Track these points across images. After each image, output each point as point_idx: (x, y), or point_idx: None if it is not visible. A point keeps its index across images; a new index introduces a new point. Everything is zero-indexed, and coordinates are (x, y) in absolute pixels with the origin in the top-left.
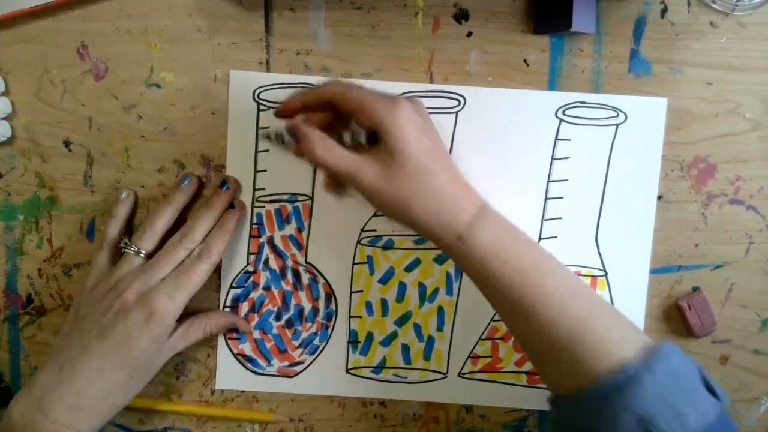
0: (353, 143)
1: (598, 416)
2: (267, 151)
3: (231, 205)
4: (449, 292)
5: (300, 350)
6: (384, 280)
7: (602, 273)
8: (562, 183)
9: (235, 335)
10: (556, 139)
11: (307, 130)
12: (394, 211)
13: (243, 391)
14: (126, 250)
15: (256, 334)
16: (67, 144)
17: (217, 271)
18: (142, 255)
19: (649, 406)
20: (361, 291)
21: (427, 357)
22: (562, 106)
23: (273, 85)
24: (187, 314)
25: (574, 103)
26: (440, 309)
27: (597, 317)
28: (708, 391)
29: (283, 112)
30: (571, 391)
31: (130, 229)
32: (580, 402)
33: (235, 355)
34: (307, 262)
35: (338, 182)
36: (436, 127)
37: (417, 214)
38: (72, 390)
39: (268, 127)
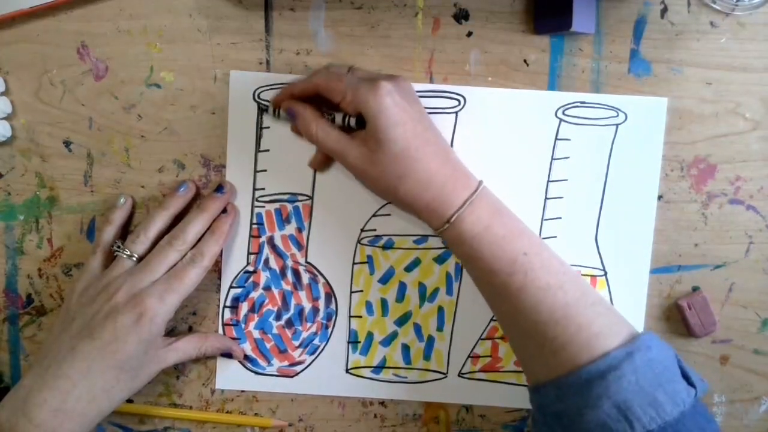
0: (345, 124)
1: (579, 402)
2: (267, 151)
3: (224, 210)
4: (449, 291)
5: (300, 350)
6: (384, 280)
7: (602, 273)
8: (562, 183)
9: (233, 335)
10: (556, 139)
11: (302, 110)
12: (381, 192)
13: (243, 391)
14: (118, 253)
15: (256, 334)
16: (67, 144)
17: (217, 271)
18: (134, 258)
19: (627, 393)
20: (361, 291)
21: (427, 357)
22: (562, 106)
23: (273, 85)
24: (185, 332)
25: (574, 103)
26: (440, 309)
27: (582, 306)
28: (684, 378)
29: (277, 106)
30: (553, 377)
31: (126, 233)
32: (562, 388)
33: None
34: (307, 262)
35: (324, 159)
36: (422, 106)
37: (404, 197)
38: (56, 392)
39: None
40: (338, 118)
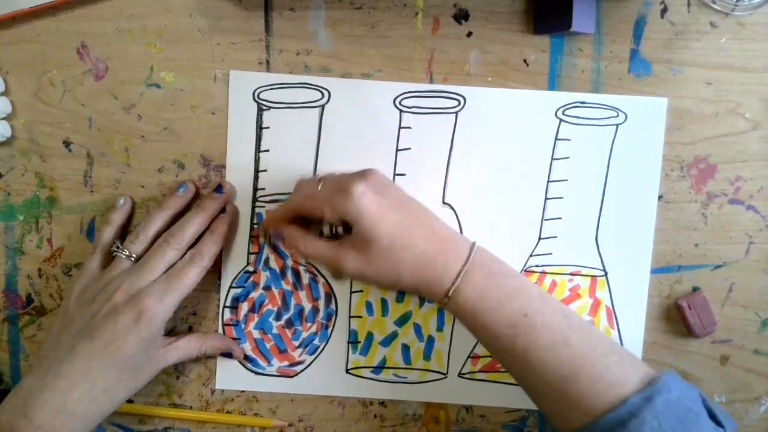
0: (334, 233)
1: None
2: (267, 151)
3: (223, 210)
4: None
5: (300, 350)
6: None
7: (602, 273)
8: (562, 183)
9: (233, 335)
10: (556, 139)
11: (288, 232)
12: (381, 286)
13: (243, 391)
14: (117, 253)
15: (256, 334)
16: (67, 144)
17: (217, 271)
18: (132, 258)
19: None
20: (361, 291)
21: (427, 357)
22: (562, 106)
23: (273, 85)
24: (185, 332)
25: (574, 103)
26: (440, 309)
27: (592, 358)
28: (711, 418)
29: (266, 233)
30: (574, 428)
31: (126, 234)
32: None
33: None
34: (307, 262)
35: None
36: (398, 190)
37: (403, 284)
38: (57, 393)
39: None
40: (326, 228)
